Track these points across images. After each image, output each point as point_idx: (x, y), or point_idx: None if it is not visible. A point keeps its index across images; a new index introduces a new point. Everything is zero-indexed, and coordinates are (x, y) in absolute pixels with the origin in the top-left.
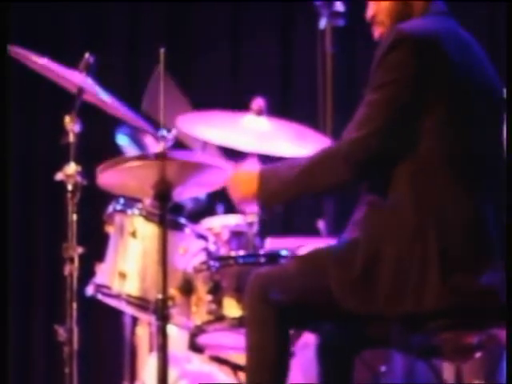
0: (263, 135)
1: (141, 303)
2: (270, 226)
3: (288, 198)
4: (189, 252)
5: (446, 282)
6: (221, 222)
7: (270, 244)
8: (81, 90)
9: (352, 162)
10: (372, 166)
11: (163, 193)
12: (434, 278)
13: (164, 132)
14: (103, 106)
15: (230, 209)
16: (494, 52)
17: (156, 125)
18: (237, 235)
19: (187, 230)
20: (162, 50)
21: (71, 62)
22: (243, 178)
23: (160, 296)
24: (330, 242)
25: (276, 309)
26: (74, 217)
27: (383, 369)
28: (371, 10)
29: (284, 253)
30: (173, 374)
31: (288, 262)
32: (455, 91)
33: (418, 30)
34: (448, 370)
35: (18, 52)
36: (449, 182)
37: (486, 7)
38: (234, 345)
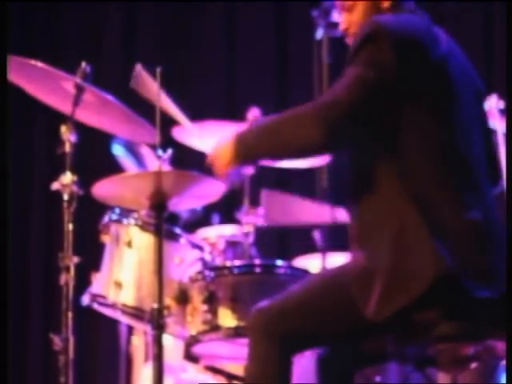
0: None
1: (136, 313)
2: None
3: (263, 154)
4: (184, 262)
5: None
6: (216, 232)
7: (266, 197)
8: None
9: (323, 121)
10: (343, 135)
11: (159, 204)
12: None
13: (160, 151)
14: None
15: (226, 219)
16: (490, 52)
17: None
18: (232, 245)
19: (183, 240)
20: (158, 70)
21: (67, 70)
22: (221, 147)
23: (155, 306)
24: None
25: (280, 343)
26: (70, 226)
27: (378, 379)
28: (344, 22)
29: (279, 263)
30: (168, 383)
31: (288, 294)
32: (435, 87)
33: (394, 23)
34: (443, 381)
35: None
36: (436, 184)
37: (482, 8)
38: (229, 354)
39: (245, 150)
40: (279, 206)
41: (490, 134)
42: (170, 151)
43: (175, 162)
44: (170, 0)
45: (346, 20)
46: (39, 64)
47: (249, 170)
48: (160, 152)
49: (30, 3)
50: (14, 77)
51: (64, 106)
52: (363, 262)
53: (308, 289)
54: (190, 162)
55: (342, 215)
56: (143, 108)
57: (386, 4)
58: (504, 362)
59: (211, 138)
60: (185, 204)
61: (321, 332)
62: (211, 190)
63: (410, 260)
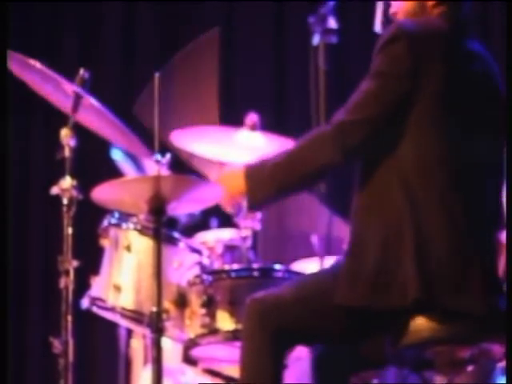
0: (257, 150)
1: (135, 316)
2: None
3: (277, 187)
4: (183, 266)
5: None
6: (215, 236)
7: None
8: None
9: (341, 144)
10: (361, 151)
11: (158, 208)
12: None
13: (158, 156)
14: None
15: (224, 223)
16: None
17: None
18: (230, 249)
19: (181, 244)
20: (156, 75)
21: (66, 74)
22: (229, 176)
23: (154, 309)
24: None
25: (274, 334)
26: (70, 230)
27: (375, 382)
28: (393, 7)
29: (277, 267)
30: None
31: (283, 286)
32: (450, 93)
33: (416, 27)
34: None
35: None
36: (443, 188)
37: (479, 8)
38: (228, 357)
39: (256, 188)
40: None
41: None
42: (168, 156)
43: (173, 166)
44: (168, 6)
45: (395, 5)
46: (38, 65)
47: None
48: (158, 157)
49: (29, 5)
50: (16, 71)
51: (63, 106)
52: (349, 264)
53: (304, 284)
54: (188, 166)
55: (338, 225)
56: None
57: (430, 2)
58: (500, 365)
59: (209, 143)
60: (183, 208)
61: (314, 327)
62: (209, 195)
63: (395, 268)
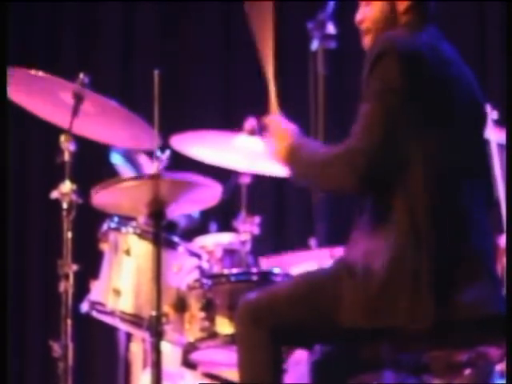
0: (256, 155)
1: (135, 320)
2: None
3: (301, 177)
4: (182, 270)
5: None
6: (214, 240)
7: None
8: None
9: (354, 172)
10: (376, 178)
11: (157, 211)
12: (425, 295)
13: (158, 152)
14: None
15: (223, 227)
16: (484, 52)
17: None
18: (230, 253)
19: (181, 248)
20: (156, 72)
21: (66, 79)
22: (281, 133)
23: (154, 313)
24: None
25: (267, 332)
26: (69, 234)
27: None
28: (360, 14)
29: (276, 271)
30: None
31: (277, 286)
32: (438, 106)
33: (403, 42)
34: None
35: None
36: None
37: (476, 7)
38: (227, 361)
39: (290, 164)
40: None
41: (487, 156)
42: (167, 152)
43: (173, 167)
44: (168, 11)
45: (362, 12)
46: (39, 73)
47: (245, 179)
48: (158, 153)
49: (28, 8)
50: (13, 92)
51: (62, 118)
52: (356, 263)
53: (298, 282)
54: (187, 165)
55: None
56: (142, 113)
57: (402, 6)
58: (497, 368)
59: (208, 147)
60: (182, 209)
61: (308, 327)
62: (208, 195)
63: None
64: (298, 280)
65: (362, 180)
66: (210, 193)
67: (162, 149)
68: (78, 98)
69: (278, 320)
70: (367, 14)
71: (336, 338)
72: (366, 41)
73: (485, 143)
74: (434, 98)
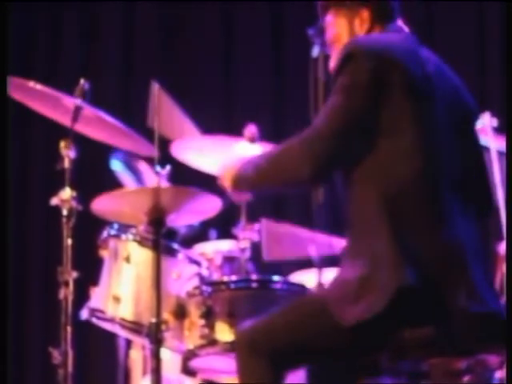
0: None
1: (135, 327)
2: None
3: (257, 186)
4: (182, 277)
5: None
6: (213, 248)
7: (265, 227)
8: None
9: (309, 159)
10: (329, 164)
11: (157, 219)
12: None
13: (158, 168)
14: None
15: (223, 234)
16: (483, 52)
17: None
18: (229, 260)
19: (180, 256)
20: (155, 85)
21: (66, 87)
22: (225, 170)
23: (153, 320)
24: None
25: (266, 358)
26: (69, 241)
27: None
28: (328, 34)
29: (276, 278)
30: None
31: (271, 313)
32: (411, 104)
33: (371, 42)
34: None
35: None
36: (420, 208)
37: (474, 8)
38: (226, 369)
39: (240, 183)
40: (278, 239)
41: (480, 156)
42: (168, 167)
43: (173, 178)
44: (169, 17)
45: (330, 34)
46: (38, 86)
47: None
48: (158, 168)
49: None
50: (14, 93)
51: (63, 120)
52: (341, 277)
53: (293, 307)
54: (187, 178)
55: (338, 243)
56: (142, 123)
57: (365, 14)
58: (496, 375)
59: (209, 154)
60: (183, 220)
61: (307, 348)
62: (208, 206)
63: (377, 275)
64: (291, 304)
65: (318, 167)
66: (211, 204)
67: (163, 163)
68: (78, 109)
69: (276, 344)
70: (336, 33)
71: (337, 348)
72: (334, 60)
73: (475, 143)
74: (405, 96)
